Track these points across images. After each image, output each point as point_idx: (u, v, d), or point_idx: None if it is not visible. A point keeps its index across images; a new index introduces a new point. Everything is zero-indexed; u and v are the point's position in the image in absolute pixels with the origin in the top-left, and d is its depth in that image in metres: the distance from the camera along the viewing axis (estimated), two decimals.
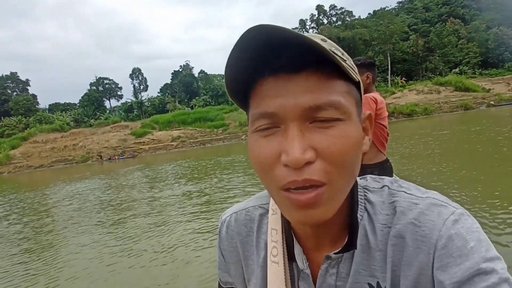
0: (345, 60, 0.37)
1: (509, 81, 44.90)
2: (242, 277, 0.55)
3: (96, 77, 71.75)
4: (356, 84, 0.40)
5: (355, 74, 0.38)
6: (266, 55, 0.36)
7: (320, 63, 0.36)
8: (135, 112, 63.58)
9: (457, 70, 54.79)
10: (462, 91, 41.85)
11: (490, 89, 42.90)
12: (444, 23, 67.12)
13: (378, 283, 0.43)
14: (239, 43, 0.34)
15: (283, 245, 0.48)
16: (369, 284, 0.43)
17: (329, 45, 0.37)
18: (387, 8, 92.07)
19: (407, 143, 11.88)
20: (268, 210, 0.53)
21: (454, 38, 59.51)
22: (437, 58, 54.25)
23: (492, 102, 38.00)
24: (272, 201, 0.52)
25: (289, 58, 0.36)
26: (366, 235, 0.44)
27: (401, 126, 22.47)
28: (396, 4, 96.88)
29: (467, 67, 55.76)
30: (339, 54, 0.37)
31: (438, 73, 52.11)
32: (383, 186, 0.46)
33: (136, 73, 71.53)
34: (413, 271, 0.40)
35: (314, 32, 57.99)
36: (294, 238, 0.48)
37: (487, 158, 7.50)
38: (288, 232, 0.48)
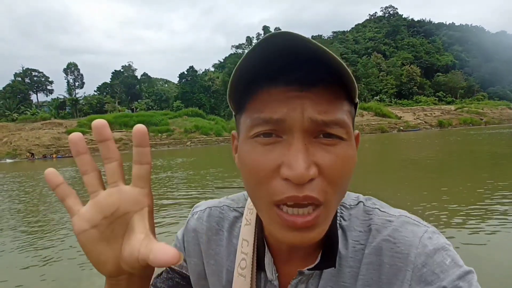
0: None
1: (415, 111, 54.35)
2: (199, 273, 0.53)
3: (22, 67, 64.95)
4: (355, 105, 0.40)
5: (356, 95, 0.38)
6: (284, 63, 0.34)
7: (333, 81, 0.35)
8: (68, 110, 59.34)
9: (377, 97, 64.38)
10: (380, 116, 49.38)
11: (401, 117, 51.42)
12: (369, 56, 77.96)
13: None
14: (260, 45, 0.32)
15: (252, 258, 0.47)
16: None
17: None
18: (323, 37, 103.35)
19: None
20: (242, 214, 0.52)
21: (376, 70, 69.84)
22: (362, 86, 62.61)
23: (401, 128, 46.50)
24: (247, 210, 0.51)
25: (307, 70, 0.34)
26: (338, 250, 0.43)
27: None
28: (331, 34, 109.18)
29: (385, 96, 65.97)
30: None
31: (362, 99, 60.14)
32: (359, 203, 0.46)
33: (71, 68, 66.68)
34: None
35: None
36: (266, 248, 0.46)
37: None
38: (261, 242, 0.47)
